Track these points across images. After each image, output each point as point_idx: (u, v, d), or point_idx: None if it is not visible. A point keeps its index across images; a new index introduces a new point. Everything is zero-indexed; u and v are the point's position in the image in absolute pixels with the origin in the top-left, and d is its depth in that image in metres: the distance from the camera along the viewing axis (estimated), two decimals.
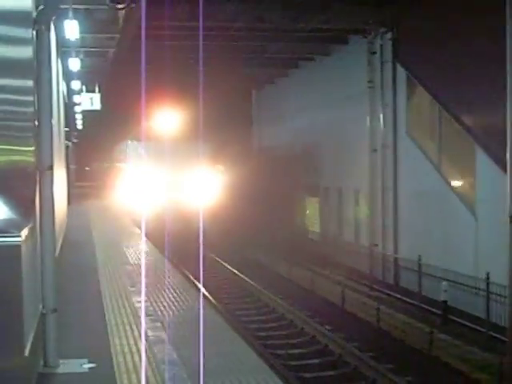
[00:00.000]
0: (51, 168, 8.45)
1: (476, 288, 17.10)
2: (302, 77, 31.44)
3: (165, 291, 12.90)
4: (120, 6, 17.68)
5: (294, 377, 13.58)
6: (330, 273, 23.67)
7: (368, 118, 24.64)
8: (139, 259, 17.72)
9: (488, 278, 16.15)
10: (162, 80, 21.69)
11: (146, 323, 10.54)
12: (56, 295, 8.45)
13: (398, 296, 20.40)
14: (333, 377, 14.06)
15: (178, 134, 30.23)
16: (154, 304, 11.86)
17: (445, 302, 17.71)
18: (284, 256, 26.92)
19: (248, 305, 20.69)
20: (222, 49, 24.79)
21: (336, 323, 17.97)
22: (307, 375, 14.01)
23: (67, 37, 18.04)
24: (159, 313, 11.20)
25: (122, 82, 32.08)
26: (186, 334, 9.42)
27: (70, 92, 31.65)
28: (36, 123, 8.20)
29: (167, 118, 31.02)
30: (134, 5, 17.30)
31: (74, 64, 22.56)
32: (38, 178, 8.23)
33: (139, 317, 10.97)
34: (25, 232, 6.63)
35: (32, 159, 7.86)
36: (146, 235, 22.63)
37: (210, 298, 19.91)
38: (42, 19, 8.22)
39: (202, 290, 18.01)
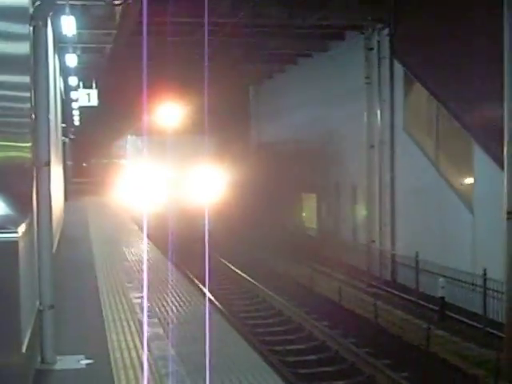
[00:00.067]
0: (48, 164, 8.44)
1: (473, 284, 17.12)
2: (300, 73, 31.41)
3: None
4: (117, 2, 17.68)
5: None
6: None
7: (365, 114, 24.64)
8: (137, 256, 17.61)
9: (485, 275, 16.17)
10: (161, 75, 21.65)
11: (143, 319, 10.54)
12: (53, 291, 8.44)
13: (396, 292, 20.43)
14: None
15: (180, 129, 28.84)
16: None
17: (442, 298, 17.75)
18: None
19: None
20: (220, 44, 24.73)
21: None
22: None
23: (64, 33, 18.02)
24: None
25: (119, 78, 32.11)
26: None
27: (67, 88, 31.62)
28: (33, 118, 8.19)
29: (169, 112, 29.43)
30: (130, 0, 17.28)
31: (71, 60, 22.53)
32: (35, 174, 8.22)
33: (136, 313, 10.96)
34: (22, 228, 6.62)
35: (29, 155, 7.84)
36: (147, 234, 21.86)
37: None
38: (38, 15, 8.20)
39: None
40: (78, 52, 22.98)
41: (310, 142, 29.97)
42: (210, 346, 7.39)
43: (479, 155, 18.08)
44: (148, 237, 21.40)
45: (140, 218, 25.44)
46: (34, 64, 8.23)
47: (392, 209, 23.17)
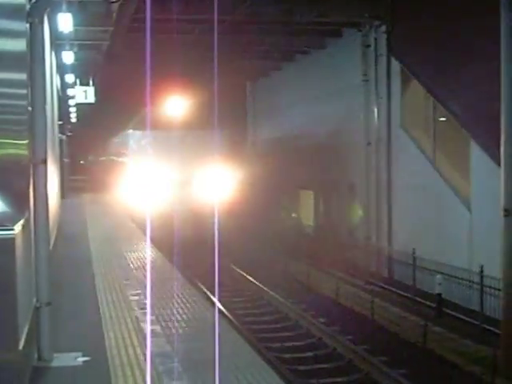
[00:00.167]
0: (45, 161, 8.44)
1: (470, 281, 17.14)
2: (297, 70, 31.39)
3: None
4: None
5: None
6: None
7: (362, 112, 24.63)
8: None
9: (482, 272, 16.19)
10: (161, 71, 21.52)
11: (140, 317, 10.54)
12: (50, 288, 8.44)
13: (393, 289, 20.43)
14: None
15: (185, 123, 26.79)
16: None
17: (439, 294, 17.76)
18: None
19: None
20: (218, 41, 24.72)
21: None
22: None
23: (61, 30, 18.00)
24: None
25: (116, 75, 32.04)
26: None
27: (64, 85, 31.57)
28: (30, 114, 8.18)
29: (172, 106, 27.62)
30: None
31: (68, 57, 22.50)
32: (31, 172, 8.21)
33: (134, 310, 10.96)
34: (19, 225, 6.62)
35: (26, 152, 7.84)
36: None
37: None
38: (35, 12, 8.19)
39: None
40: (75, 49, 22.92)
41: (306, 139, 29.96)
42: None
43: (476, 152, 18.09)
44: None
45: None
46: (31, 61, 8.22)
47: (389, 206, 23.18)
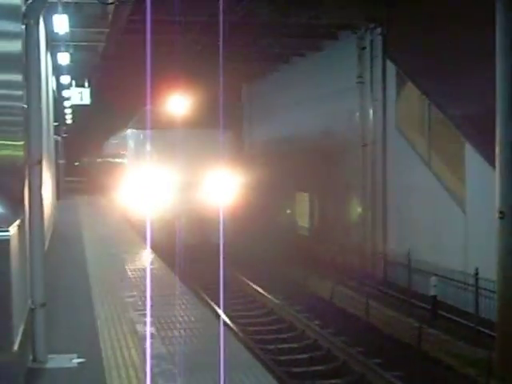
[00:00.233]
0: (40, 162, 8.43)
1: (465, 283, 17.16)
2: (293, 72, 31.40)
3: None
4: (109, 1, 17.63)
5: None
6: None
7: (358, 113, 24.66)
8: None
9: (477, 274, 16.21)
10: (157, 72, 21.39)
11: (135, 318, 10.53)
12: (45, 290, 8.43)
13: (388, 291, 20.44)
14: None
15: (186, 122, 24.81)
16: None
17: (434, 296, 17.78)
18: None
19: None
20: (212, 43, 24.72)
21: None
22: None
23: (56, 31, 17.98)
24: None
25: (112, 76, 32.02)
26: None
27: (60, 86, 31.56)
28: (25, 115, 8.17)
29: (173, 104, 25.58)
30: None
31: (64, 58, 22.48)
32: (27, 173, 8.20)
33: (128, 311, 10.95)
34: (13, 227, 6.61)
35: (21, 153, 7.83)
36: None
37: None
38: (31, 13, 8.19)
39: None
40: (71, 50, 22.90)
41: (302, 141, 29.97)
42: None
43: (471, 154, 18.12)
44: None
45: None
46: (27, 62, 8.21)
47: (384, 207, 23.19)
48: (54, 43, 21.83)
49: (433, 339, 15.54)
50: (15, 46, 7.67)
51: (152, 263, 16.12)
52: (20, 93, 7.90)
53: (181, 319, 10.52)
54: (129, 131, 27.68)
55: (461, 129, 18.84)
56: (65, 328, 9.93)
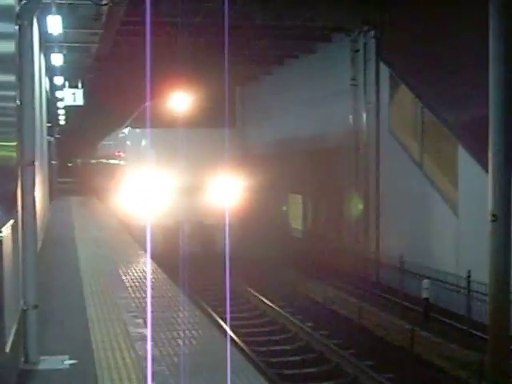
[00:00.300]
0: (33, 163, 8.42)
1: (457, 286, 17.19)
2: (286, 74, 31.41)
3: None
4: (103, 2, 17.62)
5: None
6: None
7: (351, 116, 24.68)
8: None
9: (469, 276, 16.24)
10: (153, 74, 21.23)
11: (129, 319, 10.51)
12: (37, 291, 8.41)
13: (380, 294, 20.45)
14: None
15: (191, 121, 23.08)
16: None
17: (426, 299, 17.80)
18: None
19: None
20: (206, 45, 24.74)
21: None
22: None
23: (50, 32, 17.97)
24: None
25: (106, 77, 31.98)
26: None
27: (53, 87, 31.53)
28: (18, 116, 8.16)
29: (173, 102, 23.84)
30: (117, 0, 17.27)
31: (57, 59, 22.46)
32: (19, 174, 8.19)
33: (121, 313, 10.94)
34: (6, 228, 6.60)
35: (14, 154, 7.82)
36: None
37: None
38: (24, 14, 8.18)
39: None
40: (64, 51, 22.88)
41: (295, 144, 29.99)
42: None
43: (464, 157, 18.16)
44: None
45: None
46: (20, 63, 8.20)
47: (377, 210, 23.22)
48: (47, 44, 21.81)
49: (425, 342, 15.56)
50: (9, 47, 7.66)
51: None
52: (13, 93, 7.89)
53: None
54: (127, 130, 25.88)
55: (454, 132, 18.88)
56: (57, 329, 9.92)
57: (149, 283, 13.73)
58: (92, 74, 31.42)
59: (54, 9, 16.43)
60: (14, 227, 7.56)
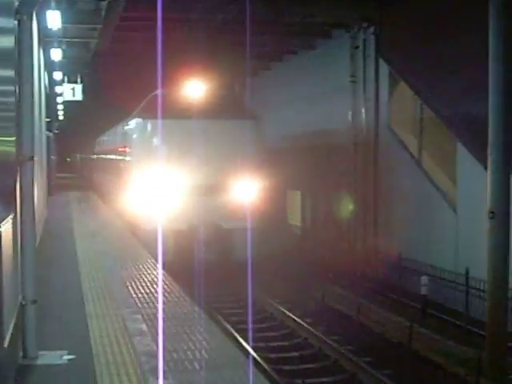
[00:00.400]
0: (32, 158, 8.42)
1: (456, 283, 17.21)
2: (285, 70, 31.38)
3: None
4: None
5: None
6: None
7: (350, 113, 24.67)
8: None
9: (467, 273, 16.26)
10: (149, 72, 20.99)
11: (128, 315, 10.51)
12: (36, 286, 8.42)
13: (378, 289, 20.46)
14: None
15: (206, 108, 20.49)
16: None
17: (424, 296, 17.82)
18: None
19: None
20: (205, 40, 24.71)
21: None
22: None
23: (49, 27, 17.97)
24: None
25: (108, 67, 31.94)
26: None
27: (52, 82, 31.51)
28: (17, 111, 8.15)
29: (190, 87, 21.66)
30: None
31: (56, 54, 22.46)
32: (18, 169, 8.18)
33: (119, 308, 10.94)
34: (4, 223, 6.60)
35: (13, 149, 7.81)
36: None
37: None
38: (24, 9, 8.17)
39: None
40: (63, 46, 22.87)
41: (294, 140, 29.96)
42: None
43: (463, 154, 18.17)
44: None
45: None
46: (19, 58, 8.19)
47: (375, 207, 23.22)
48: (46, 39, 21.80)
49: (423, 338, 15.58)
50: (7, 42, 7.65)
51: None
52: (12, 88, 7.88)
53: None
54: (134, 121, 23.02)
55: (453, 129, 18.89)
56: (56, 324, 9.92)
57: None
58: (91, 70, 31.41)
59: (53, 4, 16.42)
60: (13, 222, 7.56)
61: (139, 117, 22.32)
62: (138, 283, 12.92)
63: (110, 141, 32.60)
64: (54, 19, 16.98)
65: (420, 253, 19.45)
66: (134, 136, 22.59)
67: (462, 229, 18.23)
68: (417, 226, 20.60)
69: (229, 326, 16.11)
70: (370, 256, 22.93)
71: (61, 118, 46.02)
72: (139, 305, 11.13)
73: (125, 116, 26.18)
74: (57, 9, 16.68)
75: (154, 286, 12.63)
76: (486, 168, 14.03)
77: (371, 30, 23.25)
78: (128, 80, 31.86)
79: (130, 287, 12.55)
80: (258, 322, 17.13)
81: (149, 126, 21.60)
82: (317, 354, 15.07)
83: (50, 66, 27.06)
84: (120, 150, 26.13)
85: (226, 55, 28.11)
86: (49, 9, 16.48)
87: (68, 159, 74.36)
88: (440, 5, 18.87)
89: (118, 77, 32.19)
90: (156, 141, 21.30)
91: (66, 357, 8.28)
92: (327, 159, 26.80)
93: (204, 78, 22.41)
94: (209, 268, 16.68)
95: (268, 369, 13.22)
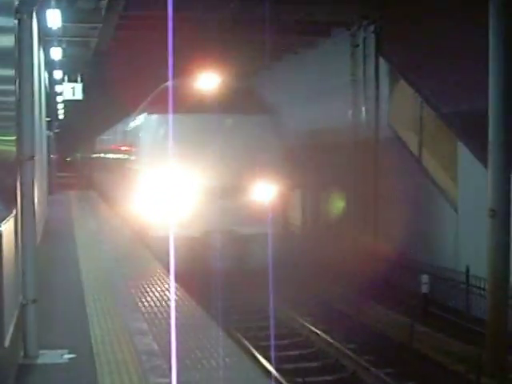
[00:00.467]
0: (32, 158, 8.42)
1: (457, 281, 17.21)
2: (285, 69, 31.37)
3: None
4: None
5: None
6: None
7: (350, 111, 24.66)
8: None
9: (468, 272, 16.26)
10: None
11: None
12: (36, 285, 8.42)
13: (379, 288, 20.44)
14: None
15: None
16: None
17: (425, 294, 17.81)
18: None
19: None
20: (204, 39, 24.71)
21: None
22: None
23: (49, 26, 17.97)
24: None
25: (108, 66, 31.94)
26: None
27: (52, 81, 31.52)
28: (17, 111, 8.15)
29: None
30: None
31: (56, 53, 22.47)
32: (19, 168, 8.18)
33: (119, 306, 10.95)
34: (5, 222, 6.60)
35: (13, 149, 7.81)
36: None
37: None
38: (24, 8, 8.17)
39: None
40: (63, 45, 22.88)
41: (294, 138, 29.90)
42: None
43: (463, 153, 18.16)
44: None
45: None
46: (19, 57, 8.19)
47: (375, 205, 23.20)
48: (46, 38, 21.80)
49: (424, 337, 15.58)
50: (8, 41, 7.65)
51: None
52: (12, 88, 7.88)
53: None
54: (140, 117, 21.13)
55: (453, 127, 18.88)
56: (56, 323, 9.93)
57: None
58: (91, 69, 31.42)
59: (53, 2, 16.43)
60: (13, 221, 7.56)
61: (147, 112, 20.26)
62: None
63: (112, 139, 31.57)
64: (54, 18, 16.99)
65: (420, 251, 19.43)
66: (141, 133, 20.63)
67: (463, 228, 18.22)
68: (417, 225, 20.55)
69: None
70: (369, 253, 22.89)
71: (61, 117, 46.01)
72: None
73: (127, 114, 25.58)
74: (57, 8, 16.70)
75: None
76: (486, 166, 14.04)
77: (371, 28, 23.23)
78: (129, 79, 31.84)
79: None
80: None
81: (158, 122, 19.51)
82: None
83: (50, 65, 27.07)
84: (124, 148, 24.80)
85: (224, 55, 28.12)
86: (49, 8, 16.49)
87: (68, 159, 74.34)
88: (441, 4, 18.86)
89: (118, 76, 32.17)
90: (165, 138, 18.98)
91: (67, 356, 8.30)
92: (327, 158, 26.73)
93: (218, 70, 20.73)
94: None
95: None
